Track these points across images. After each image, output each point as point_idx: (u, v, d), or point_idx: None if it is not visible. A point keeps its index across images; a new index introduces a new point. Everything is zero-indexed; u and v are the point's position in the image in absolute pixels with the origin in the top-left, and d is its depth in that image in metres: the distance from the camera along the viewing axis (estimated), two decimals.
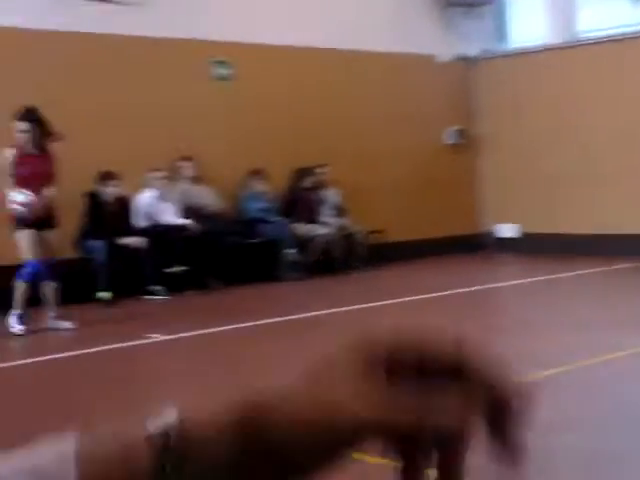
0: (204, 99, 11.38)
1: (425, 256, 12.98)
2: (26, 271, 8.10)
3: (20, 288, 8.10)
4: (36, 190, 8.00)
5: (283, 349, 6.93)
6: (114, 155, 10.34)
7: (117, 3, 10.67)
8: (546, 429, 4.19)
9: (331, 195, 12.33)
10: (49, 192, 8.10)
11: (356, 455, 0.59)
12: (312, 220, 11.87)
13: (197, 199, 11.03)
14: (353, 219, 12.30)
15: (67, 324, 8.21)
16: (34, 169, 8.04)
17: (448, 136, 14.00)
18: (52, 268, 8.15)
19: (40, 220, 8.00)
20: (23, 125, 8.05)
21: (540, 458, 3.82)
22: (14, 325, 8.08)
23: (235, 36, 11.62)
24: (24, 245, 8.05)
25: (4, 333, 8.03)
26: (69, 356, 7.13)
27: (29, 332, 8.10)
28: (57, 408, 5.37)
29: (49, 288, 8.17)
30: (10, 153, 8.05)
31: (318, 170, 12.21)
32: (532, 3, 14.03)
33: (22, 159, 8.03)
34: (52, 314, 8.23)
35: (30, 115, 8.10)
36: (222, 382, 5.75)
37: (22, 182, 7.97)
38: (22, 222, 7.99)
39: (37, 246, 8.04)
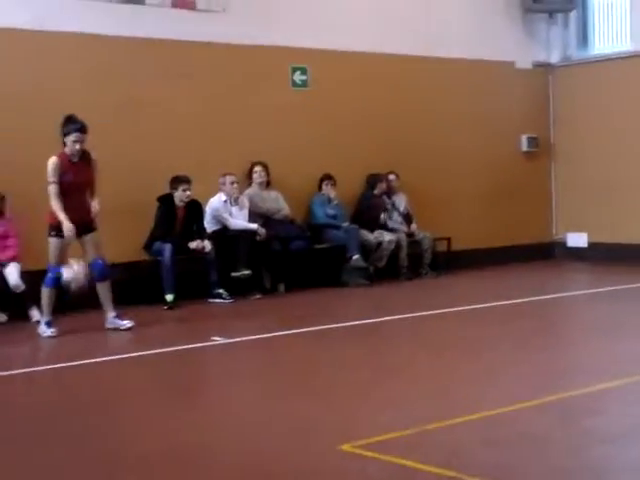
0: (278, 104, 11.55)
1: (493, 264, 12.99)
2: (48, 277, 8.32)
3: (45, 293, 8.34)
4: (79, 196, 8.25)
5: (345, 355, 7.09)
6: (188, 159, 10.59)
7: (199, 10, 10.92)
8: (609, 439, 4.27)
9: (400, 201, 12.40)
10: (96, 204, 8.31)
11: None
12: (381, 226, 11.95)
13: (267, 204, 11.21)
14: (422, 226, 12.34)
15: (126, 322, 8.42)
16: (77, 177, 8.23)
17: (523, 143, 13.94)
18: (103, 269, 8.37)
19: (80, 226, 8.19)
20: (83, 137, 8.21)
21: (601, 468, 3.92)
22: (45, 330, 8.28)
23: (311, 42, 11.77)
24: (50, 250, 8.30)
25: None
26: (133, 357, 7.37)
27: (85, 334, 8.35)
28: (119, 410, 5.58)
29: (103, 288, 8.38)
30: (53, 161, 8.17)
31: (390, 177, 12.30)
32: (616, 10, 13.83)
33: (66, 167, 8.18)
34: (111, 314, 8.44)
35: (86, 126, 8.25)
36: (281, 387, 5.93)
37: (66, 189, 8.15)
38: (52, 229, 8.23)
39: (63, 253, 8.29)
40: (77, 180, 8.23)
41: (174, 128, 10.70)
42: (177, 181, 10.20)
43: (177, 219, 10.24)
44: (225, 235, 10.58)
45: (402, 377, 6.15)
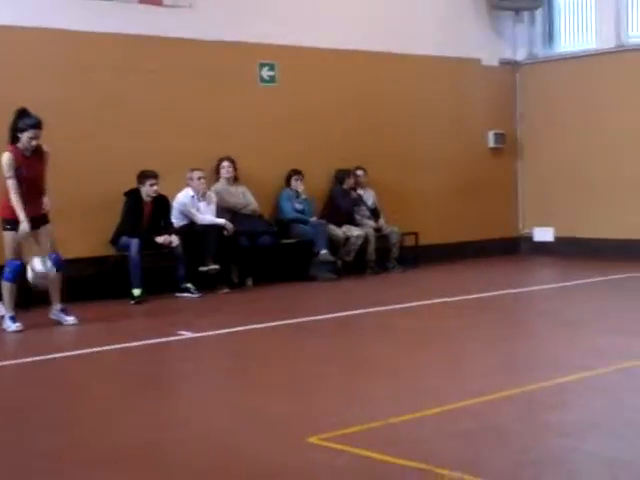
0: (247, 100, 11.55)
1: (461, 259, 13.12)
2: (6, 271, 8.23)
3: (5, 288, 8.24)
4: (33, 190, 8.14)
5: (312, 349, 7.12)
6: (156, 154, 10.58)
7: (166, 6, 10.89)
8: (570, 431, 4.34)
9: (368, 196, 12.46)
10: (47, 200, 8.27)
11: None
12: (348, 221, 12.01)
13: (235, 199, 11.22)
14: (390, 221, 12.41)
15: (71, 319, 8.35)
16: (30, 171, 8.11)
17: (490, 139, 14.05)
18: (57, 261, 8.27)
19: (35, 219, 8.13)
20: (39, 133, 8.08)
21: (562, 460, 3.98)
22: (9, 325, 8.19)
23: (279, 38, 11.78)
24: (6, 244, 8.19)
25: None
26: (97, 351, 7.34)
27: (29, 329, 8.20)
28: (78, 403, 5.58)
29: (54, 280, 8.28)
30: (8, 157, 8.02)
31: (358, 172, 12.36)
32: (582, 8, 13.96)
33: (20, 162, 8.05)
34: (57, 306, 8.37)
35: (41, 122, 8.11)
36: (248, 381, 5.95)
37: (20, 184, 8.01)
38: (7, 222, 8.15)
39: (19, 245, 8.17)
40: (30, 174, 8.12)
41: (142, 123, 10.68)
42: (144, 176, 10.17)
43: (144, 214, 10.21)
44: (193, 230, 10.58)
45: (369, 371, 6.20)
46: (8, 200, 8.09)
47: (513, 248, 14.15)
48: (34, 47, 10.03)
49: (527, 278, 11.95)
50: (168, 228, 10.29)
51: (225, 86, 11.38)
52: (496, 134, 14.04)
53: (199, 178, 10.75)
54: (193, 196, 10.75)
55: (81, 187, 9.78)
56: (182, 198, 10.75)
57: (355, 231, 11.87)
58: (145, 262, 9.82)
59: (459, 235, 13.45)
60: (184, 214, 10.71)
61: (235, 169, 11.28)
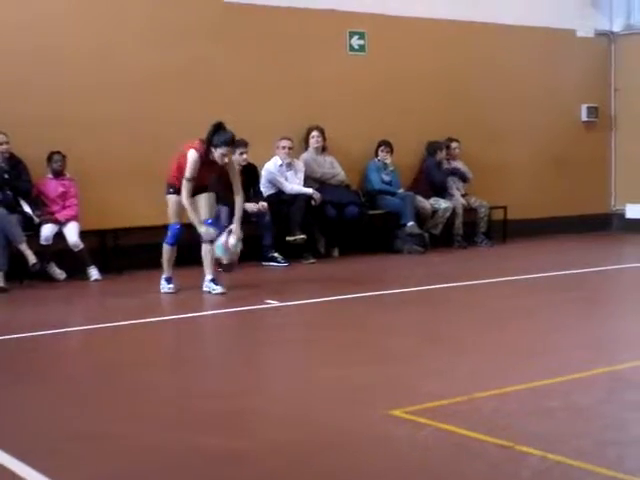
0: (336, 69, 11.54)
1: (549, 235, 12.93)
2: (168, 235, 8.44)
3: (165, 250, 8.47)
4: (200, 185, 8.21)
5: (396, 321, 7.12)
6: (246, 123, 10.61)
7: None
8: None
9: (459, 169, 12.33)
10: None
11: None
12: (437, 194, 11.92)
13: (323, 169, 11.24)
14: (479, 194, 12.29)
15: (219, 288, 8.31)
16: (204, 175, 8.19)
17: (583, 113, 13.76)
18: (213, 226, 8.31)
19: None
20: (231, 150, 8.25)
21: None
22: (163, 286, 8.49)
23: (370, 7, 11.73)
24: (169, 207, 8.38)
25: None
26: (188, 317, 7.50)
27: (177, 291, 8.46)
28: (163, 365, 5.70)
29: (205, 249, 8.31)
30: (194, 158, 8.08)
31: (453, 144, 12.24)
32: None
33: (199, 165, 8.11)
34: (208, 277, 8.39)
35: (234, 138, 8.26)
36: (332, 352, 5.98)
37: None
38: (171, 187, 8.32)
39: (182, 209, 8.28)
40: (202, 175, 8.15)
41: (232, 91, 10.76)
42: (235, 144, 10.22)
43: (223, 175, 10.26)
44: (280, 199, 10.65)
45: (453, 345, 6.17)
46: (176, 171, 8.23)
47: (604, 225, 13.88)
48: (133, 13, 10.19)
49: (616, 256, 11.73)
50: (257, 196, 10.36)
51: (315, 55, 11.39)
52: (589, 107, 13.76)
53: (284, 147, 10.79)
54: (281, 165, 10.81)
55: (162, 155, 9.86)
56: (270, 167, 10.81)
57: (443, 204, 11.78)
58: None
59: (549, 210, 13.25)
60: (272, 183, 10.78)
61: (324, 139, 11.30)
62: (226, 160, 8.14)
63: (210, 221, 8.26)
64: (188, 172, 8.05)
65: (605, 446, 3.92)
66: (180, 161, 8.22)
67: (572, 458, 3.72)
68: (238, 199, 8.33)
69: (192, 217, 8.10)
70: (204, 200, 8.29)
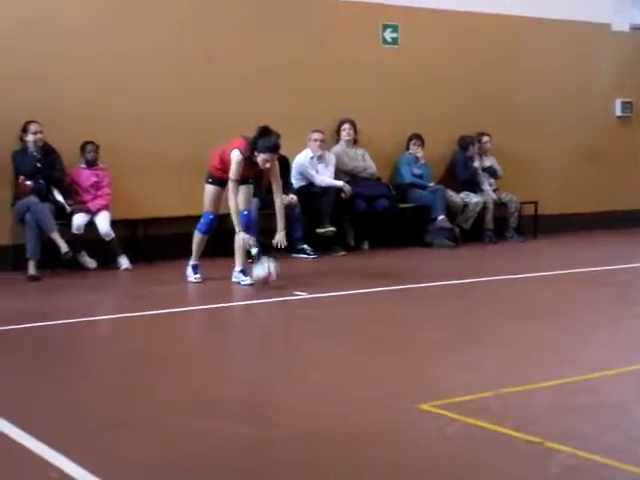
0: (368, 62, 11.52)
1: (581, 230, 12.85)
2: (201, 222, 8.49)
3: (196, 238, 8.54)
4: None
5: (426, 315, 7.12)
6: (277, 115, 10.60)
7: None
8: None
9: (490, 164, 12.27)
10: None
11: None
12: (467, 188, 11.87)
13: (354, 161, 11.23)
14: (509, 189, 12.23)
15: (248, 279, 8.32)
16: (246, 173, 8.21)
17: (617, 108, 13.65)
18: (248, 220, 8.28)
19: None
20: (274, 156, 8.17)
21: None
22: (189, 274, 8.57)
23: (403, 0, 11.69)
24: (206, 197, 8.42)
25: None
26: (217, 307, 7.54)
27: (203, 281, 8.52)
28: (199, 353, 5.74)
29: (239, 239, 8.27)
30: (238, 160, 8.03)
31: (484, 138, 12.19)
32: None
33: (244, 165, 8.09)
34: (238, 267, 8.41)
35: (279, 145, 8.20)
36: (361, 344, 5.98)
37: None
38: (211, 177, 8.36)
39: (218, 200, 8.37)
40: (244, 175, 8.19)
41: (263, 83, 10.77)
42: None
43: (264, 173, 10.29)
44: (310, 191, 10.65)
45: (482, 340, 6.15)
46: (219, 163, 8.26)
47: (637, 221, 13.74)
48: (159, 7, 10.22)
49: None
50: (287, 189, 10.36)
51: (348, 47, 11.36)
52: (624, 102, 13.64)
53: (316, 140, 10.79)
54: (312, 157, 10.82)
55: (201, 146, 9.87)
56: (301, 159, 10.82)
57: (474, 198, 11.74)
58: (263, 222, 9.92)
59: (580, 206, 13.17)
60: (303, 175, 10.78)
61: (355, 132, 11.28)
62: (268, 165, 8.13)
63: (246, 212, 8.27)
64: (233, 174, 8.04)
65: (635, 443, 3.90)
66: (223, 156, 8.23)
67: (601, 455, 3.70)
68: (278, 200, 8.31)
69: (235, 219, 8.05)
70: (242, 192, 8.27)
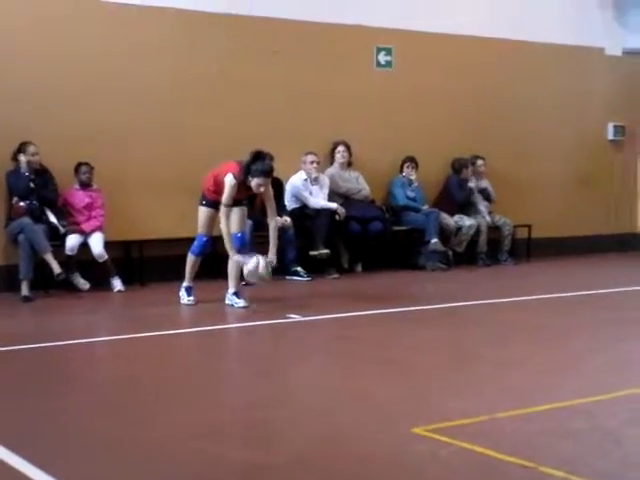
0: (362, 84, 11.56)
1: (574, 254, 12.88)
2: (195, 244, 8.48)
3: (189, 260, 8.53)
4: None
5: (419, 338, 7.08)
6: (271, 136, 10.63)
7: None
8: None
9: (483, 187, 12.29)
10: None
11: None
12: (462, 211, 11.89)
13: (348, 184, 11.24)
14: (503, 212, 12.26)
15: (242, 302, 8.32)
16: (238, 195, 8.20)
17: (609, 132, 13.71)
18: (241, 240, 8.27)
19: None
20: (268, 181, 8.15)
21: None
22: (182, 296, 8.56)
23: (397, 23, 11.76)
24: (200, 219, 8.41)
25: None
26: (208, 330, 7.50)
27: (197, 303, 8.52)
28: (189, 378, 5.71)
29: (232, 263, 8.29)
30: (231, 184, 8.05)
31: (478, 162, 12.22)
32: None
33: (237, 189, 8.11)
34: (232, 290, 8.40)
35: (273, 169, 8.25)
36: (354, 367, 5.96)
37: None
38: (205, 199, 8.34)
39: (212, 222, 8.37)
40: (237, 197, 8.20)
41: (258, 104, 10.80)
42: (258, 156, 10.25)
43: (257, 196, 10.29)
44: (304, 213, 10.66)
45: (476, 364, 6.14)
46: (213, 186, 8.24)
47: (630, 245, 13.79)
48: (163, 27, 10.27)
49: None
50: (281, 211, 10.36)
51: (341, 70, 11.42)
52: (616, 126, 13.71)
53: (312, 162, 10.81)
54: (306, 179, 10.83)
55: (197, 165, 9.86)
56: (295, 181, 10.83)
57: (467, 221, 11.76)
58: (256, 244, 9.91)
59: (574, 229, 13.20)
60: (296, 197, 10.80)
61: (350, 154, 11.30)
62: (262, 190, 8.13)
63: (240, 235, 8.27)
64: (225, 199, 8.04)
65: (629, 469, 3.89)
66: (217, 179, 8.23)
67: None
68: (272, 224, 8.31)
69: (227, 244, 8.03)
70: (236, 214, 8.29)
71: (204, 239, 8.44)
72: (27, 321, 8.17)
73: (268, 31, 10.91)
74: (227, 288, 8.42)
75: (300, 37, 11.13)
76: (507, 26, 12.62)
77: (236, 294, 8.37)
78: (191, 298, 8.54)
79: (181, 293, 8.60)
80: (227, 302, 8.40)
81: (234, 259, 8.11)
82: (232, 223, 8.19)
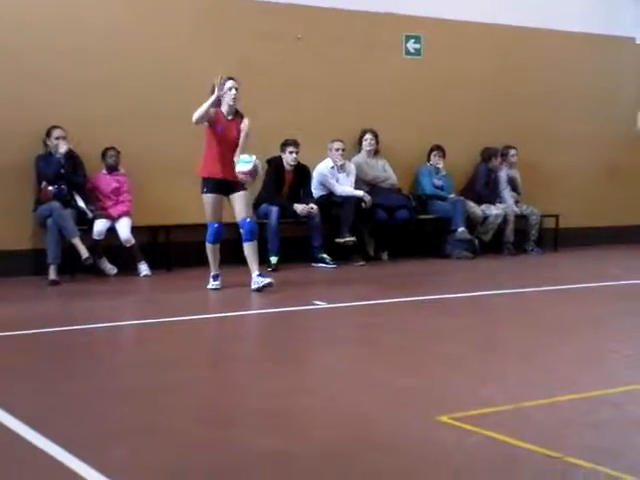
0: (391, 72, 11.52)
1: (602, 244, 12.79)
2: (208, 233, 8.49)
3: (208, 249, 8.54)
4: (228, 154, 8.26)
5: (445, 326, 7.04)
6: (299, 123, 10.67)
7: None
8: None
9: (512, 176, 12.21)
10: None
11: None
12: (489, 200, 11.83)
13: (374, 172, 11.22)
14: (530, 201, 12.19)
15: (267, 279, 8.36)
16: (226, 133, 8.29)
17: (639, 122, 13.58)
18: (252, 228, 8.34)
19: (227, 183, 8.28)
20: (238, 95, 8.31)
21: None
22: (211, 283, 8.58)
23: (426, 11, 11.70)
24: (206, 209, 8.42)
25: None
26: (236, 315, 7.53)
27: (222, 289, 8.55)
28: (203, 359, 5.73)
29: (250, 248, 8.36)
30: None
31: (511, 152, 12.14)
32: None
33: (219, 119, 8.28)
34: (255, 273, 8.40)
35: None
36: (380, 355, 5.95)
37: (217, 141, 8.25)
38: (204, 185, 8.34)
39: (219, 208, 8.39)
40: (226, 137, 8.27)
41: (286, 92, 10.79)
42: (285, 143, 10.29)
43: (285, 182, 10.32)
44: (331, 201, 10.65)
45: (502, 352, 6.12)
46: (206, 158, 8.32)
47: None
48: (189, 13, 10.25)
49: None
50: (308, 198, 10.37)
51: (370, 57, 11.38)
52: None
53: (337, 149, 10.79)
54: (333, 167, 10.81)
55: None
56: (322, 168, 10.82)
57: (494, 210, 11.70)
58: (283, 230, 9.93)
59: (602, 219, 13.11)
60: (323, 184, 10.78)
61: (377, 142, 11.28)
62: (233, 93, 8.23)
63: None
64: (197, 112, 8.09)
65: None
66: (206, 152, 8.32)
67: (622, 471, 3.65)
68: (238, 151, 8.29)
69: (203, 106, 8.08)
70: (240, 199, 8.32)
71: (215, 225, 8.43)
72: (54, 305, 8.23)
73: (298, 18, 10.88)
74: (251, 274, 8.41)
75: (329, 24, 11.10)
76: (539, 15, 12.53)
77: (260, 275, 8.38)
78: (216, 283, 8.56)
79: (209, 280, 8.62)
80: (253, 286, 8.38)
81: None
82: (237, 210, 8.29)
